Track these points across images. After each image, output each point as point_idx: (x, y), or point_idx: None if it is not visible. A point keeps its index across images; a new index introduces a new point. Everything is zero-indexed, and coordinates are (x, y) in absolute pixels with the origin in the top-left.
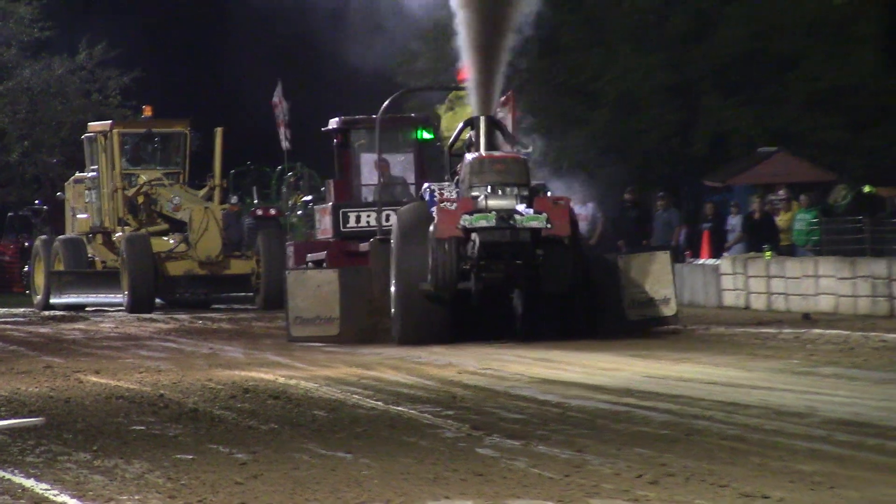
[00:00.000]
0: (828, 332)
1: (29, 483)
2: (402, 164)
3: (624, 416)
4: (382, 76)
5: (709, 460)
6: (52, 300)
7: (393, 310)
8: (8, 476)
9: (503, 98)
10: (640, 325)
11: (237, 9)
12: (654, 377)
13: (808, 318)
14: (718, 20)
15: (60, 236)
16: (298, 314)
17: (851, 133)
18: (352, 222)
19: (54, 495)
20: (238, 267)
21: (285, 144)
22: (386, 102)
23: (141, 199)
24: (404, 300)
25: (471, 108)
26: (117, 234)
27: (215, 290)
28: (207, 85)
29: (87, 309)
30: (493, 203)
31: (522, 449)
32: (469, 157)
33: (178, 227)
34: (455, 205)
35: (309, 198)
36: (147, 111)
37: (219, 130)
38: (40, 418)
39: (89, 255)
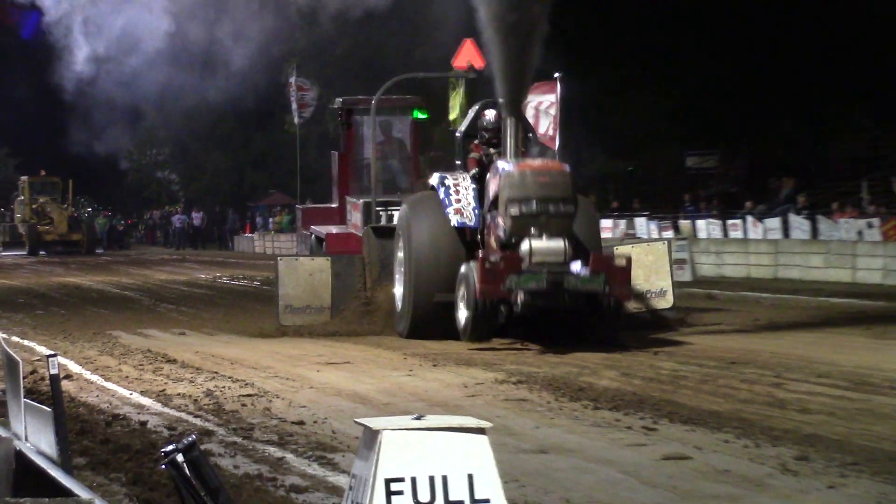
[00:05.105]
0: None
1: None
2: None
3: (143, 302)
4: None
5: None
6: None
7: (399, 307)
8: None
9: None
10: (637, 319)
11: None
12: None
13: None
14: None
15: None
16: (289, 302)
17: None
18: (384, 220)
19: None
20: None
21: (296, 119)
22: (385, 86)
23: None
24: (416, 305)
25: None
26: None
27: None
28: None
29: None
30: (539, 251)
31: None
32: (504, 166)
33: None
34: (500, 259)
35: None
36: None
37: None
38: None
39: None
